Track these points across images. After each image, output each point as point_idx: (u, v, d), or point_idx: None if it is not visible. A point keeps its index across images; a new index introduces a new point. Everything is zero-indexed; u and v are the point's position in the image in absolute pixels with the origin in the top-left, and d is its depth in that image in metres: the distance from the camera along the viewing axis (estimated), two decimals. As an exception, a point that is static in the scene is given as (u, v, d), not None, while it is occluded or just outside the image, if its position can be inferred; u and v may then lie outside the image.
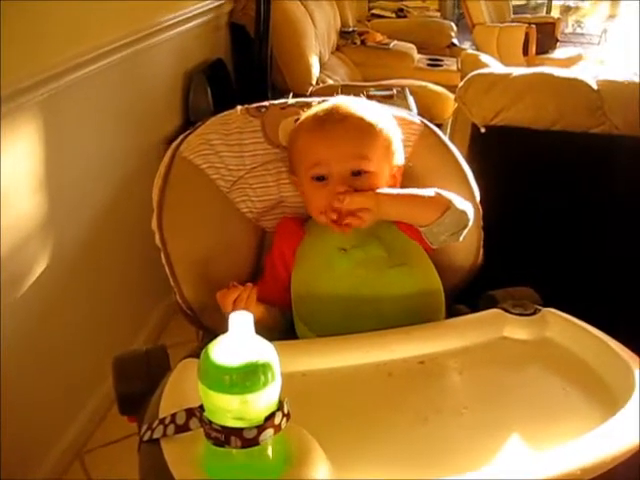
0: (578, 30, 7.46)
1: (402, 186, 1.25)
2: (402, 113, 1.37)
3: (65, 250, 1.87)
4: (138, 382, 1.05)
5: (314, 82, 3.36)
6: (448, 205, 1.16)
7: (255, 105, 1.34)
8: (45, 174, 1.73)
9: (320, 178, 1.20)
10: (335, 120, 1.20)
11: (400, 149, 1.26)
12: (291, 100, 1.36)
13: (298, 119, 1.29)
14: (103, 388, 2.06)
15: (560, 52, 5.51)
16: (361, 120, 1.21)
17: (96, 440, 2.06)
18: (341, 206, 1.14)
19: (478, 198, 1.33)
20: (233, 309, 1.11)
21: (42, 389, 1.82)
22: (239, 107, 1.33)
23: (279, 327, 1.21)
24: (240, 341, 0.74)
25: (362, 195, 1.15)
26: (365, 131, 1.21)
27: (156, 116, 2.46)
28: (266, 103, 1.35)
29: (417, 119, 1.36)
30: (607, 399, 0.94)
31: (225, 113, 1.33)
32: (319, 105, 1.28)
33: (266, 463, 0.76)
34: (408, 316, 1.15)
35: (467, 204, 1.20)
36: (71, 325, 1.93)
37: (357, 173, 1.19)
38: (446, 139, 1.36)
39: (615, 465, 0.79)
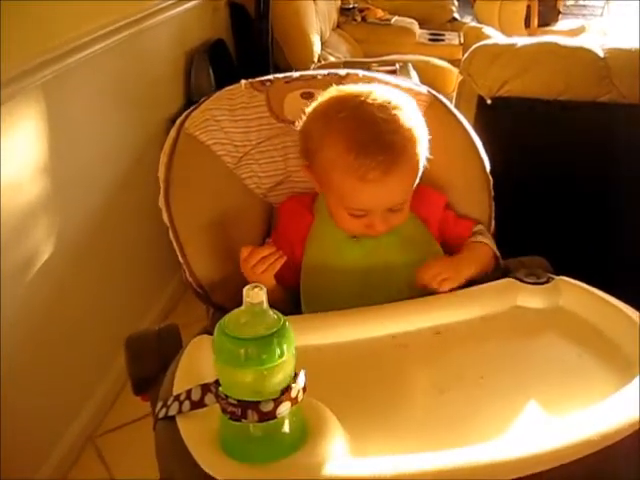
0: (580, 2, 7.39)
1: None
2: (409, 84, 1.35)
3: (72, 233, 1.87)
4: (151, 361, 1.05)
5: (316, 60, 3.33)
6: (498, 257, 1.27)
7: (259, 79, 1.32)
8: (48, 157, 1.72)
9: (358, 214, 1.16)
10: (385, 169, 1.08)
11: (427, 147, 1.18)
12: (296, 74, 1.35)
13: (306, 93, 1.28)
14: (114, 371, 2.06)
15: (562, 24, 5.45)
16: (406, 163, 1.12)
17: (109, 423, 2.07)
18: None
19: (488, 168, 1.32)
20: (253, 268, 1.11)
21: (53, 374, 1.82)
22: (243, 81, 1.32)
23: (286, 306, 1.19)
24: (254, 314, 0.73)
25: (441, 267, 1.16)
26: (409, 175, 1.15)
27: (158, 97, 2.45)
28: (270, 77, 1.33)
29: (424, 89, 1.35)
30: (623, 365, 0.94)
31: (229, 88, 1.31)
32: (350, 117, 1.11)
33: (283, 436, 0.76)
34: None
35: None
36: (80, 308, 1.93)
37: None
38: (454, 110, 1.34)
39: (633, 431, 0.78)
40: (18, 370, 1.63)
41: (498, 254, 1.27)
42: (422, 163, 1.16)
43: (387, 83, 1.28)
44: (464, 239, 1.28)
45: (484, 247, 1.26)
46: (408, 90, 1.30)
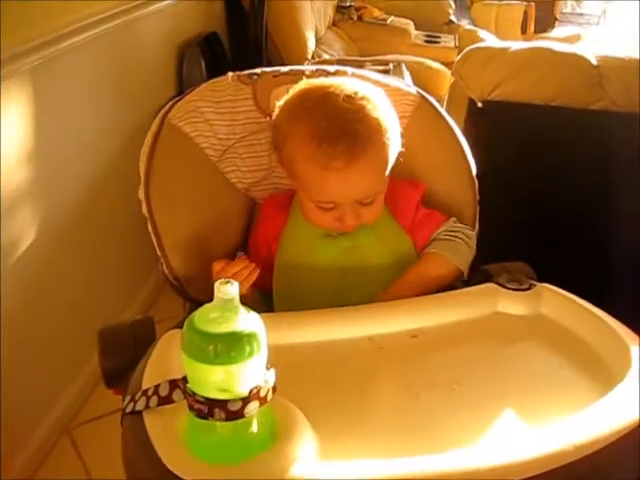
0: (577, 10, 7.39)
1: (396, 163, 1.17)
2: (398, 84, 1.33)
3: (54, 222, 1.84)
4: (124, 354, 1.03)
5: (309, 57, 3.32)
6: (459, 269, 1.21)
7: (247, 72, 1.31)
8: (35, 143, 1.70)
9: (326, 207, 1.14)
10: (348, 158, 1.06)
11: (398, 140, 1.15)
12: (284, 68, 1.33)
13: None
14: (91, 363, 2.04)
15: (559, 31, 5.46)
16: (372, 154, 1.08)
17: (84, 415, 2.05)
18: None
19: (475, 171, 1.31)
20: None
21: (30, 364, 1.80)
22: (230, 74, 1.30)
23: (260, 309, 1.17)
24: (225, 310, 0.71)
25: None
26: (375, 166, 1.11)
27: (149, 88, 2.42)
28: (258, 70, 1.32)
29: (414, 90, 1.33)
30: (603, 375, 0.93)
31: (216, 80, 1.30)
32: (314, 107, 1.10)
33: (251, 436, 0.74)
34: None
35: (461, 240, 1.24)
36: (59, 300, 1.91)
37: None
38: (443, 111, 1.33)
39: (610, 442, 0.76)
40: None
41: (462, 266, 1.22)
42: (392, 156, 1.13)
43: (376, 82, 1.26)
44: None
45: (438, 259, 1.21)
46: (397, 90, 1.29)
